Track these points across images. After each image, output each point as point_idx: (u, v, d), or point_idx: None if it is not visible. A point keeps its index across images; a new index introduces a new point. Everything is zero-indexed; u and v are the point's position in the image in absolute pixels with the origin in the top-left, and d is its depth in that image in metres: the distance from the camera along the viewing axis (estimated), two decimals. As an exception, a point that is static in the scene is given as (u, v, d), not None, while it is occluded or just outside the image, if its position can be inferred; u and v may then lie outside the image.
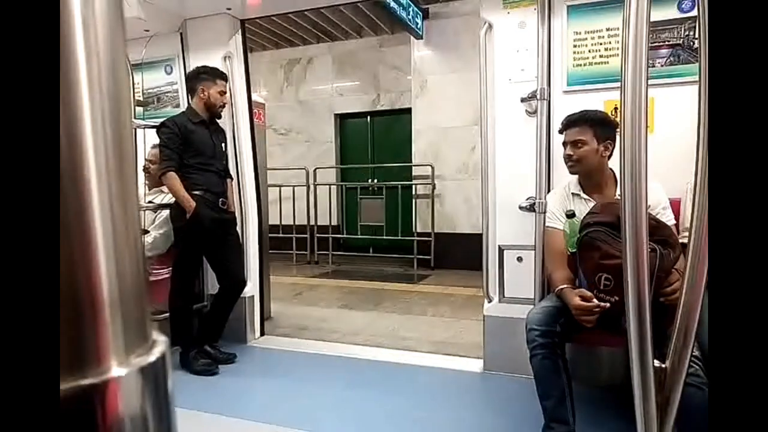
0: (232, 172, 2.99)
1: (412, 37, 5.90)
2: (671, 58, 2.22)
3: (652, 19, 2.24)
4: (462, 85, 5.50)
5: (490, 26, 2.50)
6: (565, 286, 1.86)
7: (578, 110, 2.08)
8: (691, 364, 1.62)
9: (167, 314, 2.73)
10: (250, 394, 2.49)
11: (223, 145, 2.86)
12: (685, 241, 1.19)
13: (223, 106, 2.79)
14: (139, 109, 3.28)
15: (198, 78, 2.75)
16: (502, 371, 2.60)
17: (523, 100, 2.44)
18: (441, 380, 2.61)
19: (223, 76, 2.80)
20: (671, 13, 2.20)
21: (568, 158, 2.02)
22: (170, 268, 2.84)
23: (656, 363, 0.86)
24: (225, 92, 2.78)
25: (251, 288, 3.17)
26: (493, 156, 2.55)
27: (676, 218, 1.98)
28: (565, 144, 2.02)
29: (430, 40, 5.93)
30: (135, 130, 2.86)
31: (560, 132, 2.06)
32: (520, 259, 2.53)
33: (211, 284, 3.02)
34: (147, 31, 3.02)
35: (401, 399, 2.39)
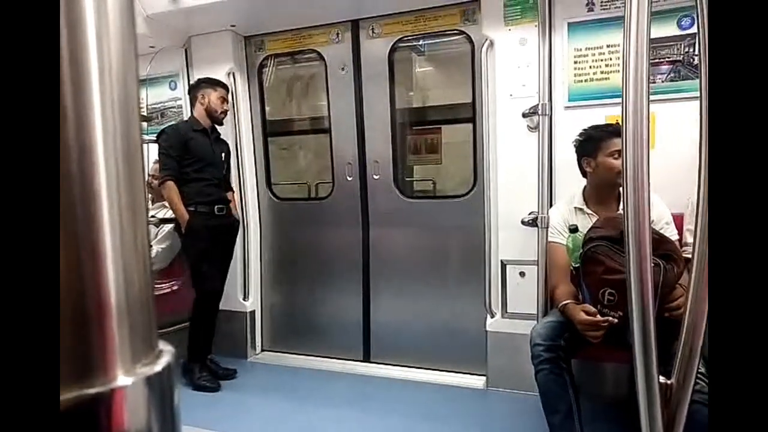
0: (234, 185, 3.01)
1: (413, 53, 5.95)
2: (672, 74, 2.24)
3: (652, 36, 2.27)
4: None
5: (492, 43, 2.52)
6: (569, 301, 1.85)
7: (581, 126, 2.09)
8: (697, 381, 1.60)
9: (169, 328, 2.72)
10: (250, 410, 2.46)
11: (223, 154, 2.87)
12: (689, 255, 1.18)
13: (225, 114, 2.82)
14: (143, 124, 3.31)
15: (198, 86, 2.79)
16: (506, 387, 2.57)
17: (524, 115, 2.45)
18: (443, 397, 2.58)
19: (223, 85, 2.84)
20: (671, 30, 2.23)
21: None
22: (172, 282, 2.84)
23: (661, 379, 0.85)
24: (225, 99, 2.81)
25: (252, 303, 3.16)
26: (494, 171, 2.56)
27: (679, 233, 1.98)
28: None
29: (432, 56, 5.97)
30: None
31: (606, 139, 1.97)
32: (522, 274, 2.52)
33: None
34: (152, 47, 3.06)
35: (403, 416, 2.36)
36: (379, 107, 2.93)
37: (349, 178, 3.01)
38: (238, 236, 2.97)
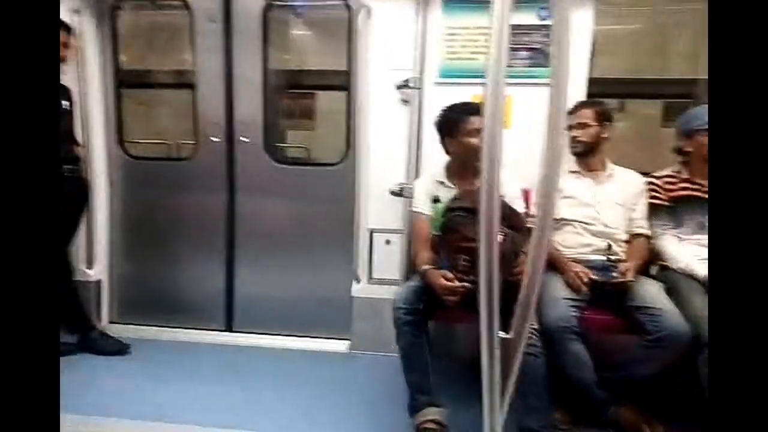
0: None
1: (291, 15, 5.70)
2: (529, 60, 2.43)
3: (515, 23, 2.42)
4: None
5: (369, 11, 2.51)
6: (429, 266, 1.96)
7: (450, 102, 2.18)
8: (530, 335, 1.81)
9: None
10: (97, 388, 2.25)
11: (65, 103, 2.49)
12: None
13: (63, 60, 2.44)
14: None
15: None
16: (368, 350, 2.68)
17: (397, 87, 2.49)
18: (307, 363, 2.60)
19: (64, 26, 2.44)
20: (531, 18, 2.40)
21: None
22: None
23: (502, 334, 0.95)
24: (66, 44, 2.42)
25: (99, 271, 2.87)
26: (367, 140, 2.58)
27: (527, 206, 2.18)
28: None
29: (310, 20, 5.80)
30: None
31: (464, 119, 2.08)
32: (388, 242, 2.61)
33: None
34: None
35: (266, 384, 2.34)
36: (251, 66, 2.77)
37: (215, 139, 2.82)
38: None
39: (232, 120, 2.81)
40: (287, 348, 2.77)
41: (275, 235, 2.87)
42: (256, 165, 2.83)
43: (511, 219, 1.89)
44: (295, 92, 3.56)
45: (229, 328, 2.94)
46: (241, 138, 2.81)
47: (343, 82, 2.75)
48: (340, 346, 2.76)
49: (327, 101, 3.53)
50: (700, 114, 2.07)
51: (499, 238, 1.73)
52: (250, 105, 2.80)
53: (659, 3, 3.26)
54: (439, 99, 2.37)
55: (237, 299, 2.94)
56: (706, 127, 2.01)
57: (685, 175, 2.14)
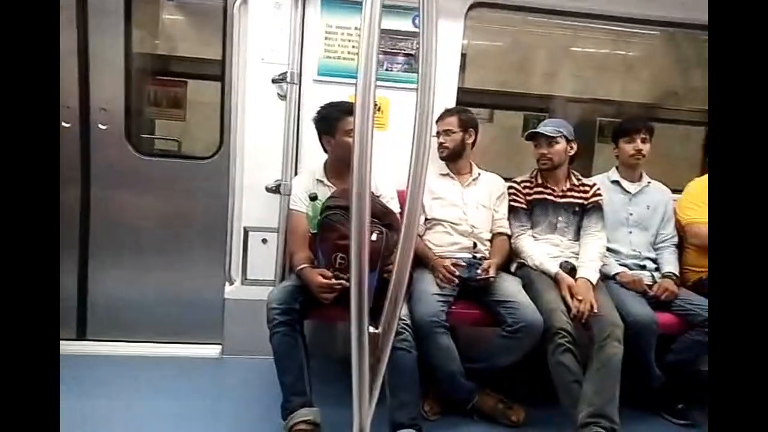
0: None
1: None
2: (405, 66, 2.52)
3: (393, 28, 2.49)
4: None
5: (245, 1, 2.41)
6: (306, 265, 1.94)
7: (329, 100, 2.18)
8: (402, 330, 1.87)
9: None
10: None
11: None
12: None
13: None
14: None
15: None
16: (243, 354, 2.57)
17: (274, 81, 2.42)
18: (174, 370, 2.42)
19: None
20: (407, 25, 2.49)
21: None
22: None
23: (371, 329, 0.96)
24: None
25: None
26: (241, 134, 2.48)
27: (402, 206, 2.25)
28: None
29: (183, 5, 5.44)
30: None
31: (341, 119, 2.10)
32: (264, 240, 2.53)
33: None
34: None
35: (126, 395, 2.14)
36: (111, 47, 2.50)
37: (66, 125, 2.50)
38: None
39: (87, 104, 2.52)
40: (151, 356, 2.55)
41: (139, 233, 2.63)
42: (117, 156, 2.57)
43: (387, 218, 1.94)
44: (164, 79, 3.30)
45: (81, 336, 2.63)
46: (99, 125, 2.53)
47: (217, 71, 2.61)
48: (212, 351, 2.62)
49: (200, 91, 3.32)
50: (540, 125, 2.36)
51: (374, 236, 1.79)
52: (109, 89, 2.53)
53: (520, 24, 3.58)
54: (318, 96, 2.36)
55: (91, 304, 2.64)
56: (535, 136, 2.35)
57: (539, 180, 2.38)
